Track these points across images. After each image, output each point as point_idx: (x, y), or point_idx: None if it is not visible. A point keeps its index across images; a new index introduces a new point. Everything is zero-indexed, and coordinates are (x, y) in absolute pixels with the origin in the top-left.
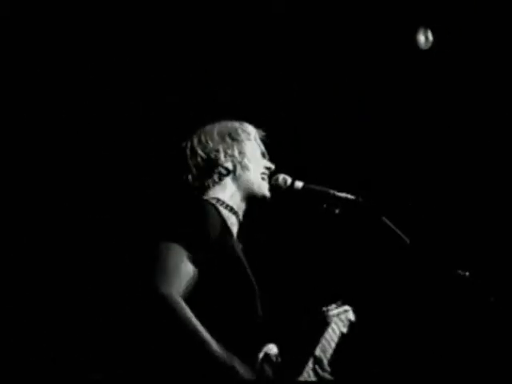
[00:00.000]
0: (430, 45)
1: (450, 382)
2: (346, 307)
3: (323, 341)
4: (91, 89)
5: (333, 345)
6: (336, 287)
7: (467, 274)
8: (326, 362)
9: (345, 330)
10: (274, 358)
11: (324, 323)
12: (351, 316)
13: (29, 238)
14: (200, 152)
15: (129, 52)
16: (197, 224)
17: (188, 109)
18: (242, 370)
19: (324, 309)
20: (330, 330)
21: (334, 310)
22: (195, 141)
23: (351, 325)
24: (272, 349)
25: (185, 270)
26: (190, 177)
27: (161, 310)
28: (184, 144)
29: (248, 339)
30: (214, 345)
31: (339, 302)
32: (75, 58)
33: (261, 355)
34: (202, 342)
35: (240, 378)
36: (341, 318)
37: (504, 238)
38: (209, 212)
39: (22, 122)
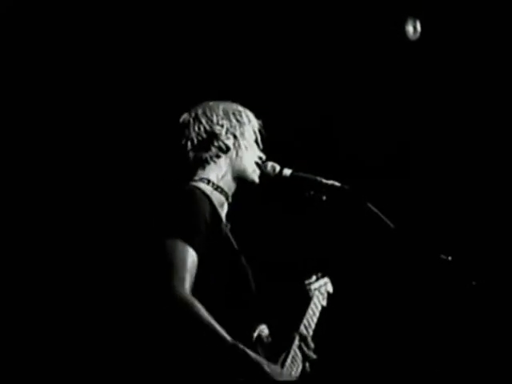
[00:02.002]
0: (418, 35)
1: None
2: (326, 279)
3: (307, 316)
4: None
5: (315, 319)
6: (323, 272)
7: (450, 258)
8: (309, 338)
9: (325, 302)
10: (266, 339)
11: (306, 298)
12: (330, 288)
13: (25, 243)
14: (204, 123)
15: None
16: (191, 216)
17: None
18: (263, 364)
19: (306, 282)
20: (312, 304)
21: (314, 284)
22: (200, 111)
23: (329, 297)
24: (263, 330)
25: (191, 265)
26: (189, 144)
27: (179, 309)
28: (186, 114)
29: (242, 321)
30: (231, 341)
31: (319, 274)
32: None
33: (254, 337)
34: (220, 339)
35: (259, 372)
36: (321, 291)
37: (486, 222)
38: (200, 200)
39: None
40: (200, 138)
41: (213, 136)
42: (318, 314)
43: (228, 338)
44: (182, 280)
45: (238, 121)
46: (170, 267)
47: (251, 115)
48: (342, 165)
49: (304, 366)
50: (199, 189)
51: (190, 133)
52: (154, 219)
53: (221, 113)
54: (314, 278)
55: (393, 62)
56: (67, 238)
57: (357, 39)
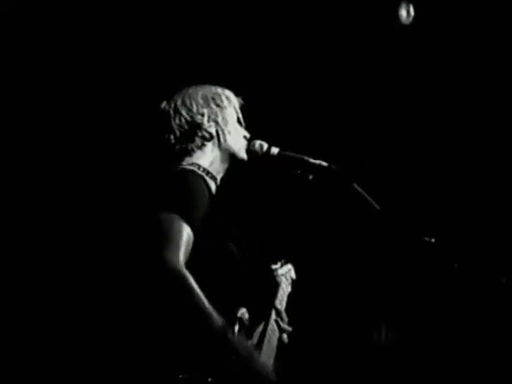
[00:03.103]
0: (411, 19)
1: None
2: (289, 266)
3: (278, 297)
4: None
5: (284, 304)
6: (306, 252)
7: (433, 240)
8: (284, 313)
9: (290, 288)
10: (246, 323)
11: (274, 284)
12: (293, 274)
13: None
14: (184, 114)
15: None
16: (189, 195)
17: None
18: (242, 347)
19: (272, 267)
20: (280, 290)
21: (280, 270)
22: (179, 102)
23: (293, 283)
24: (244, 314)
25: (187, 240)
26: (171, 138)
27: (171, 280)
28: (165, 105)
29: (226, 305)
30: (218, 320)
31: (283, 261)
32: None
33: (236, 323)
34: (207, 317)
35: (240, 356)
36: (286, 277)
37: (469, 205)
38: (197, 181)
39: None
40: (182, 130)
41: (195, 126)
42: (285, 299)
43: (216, 317)
44: (177, 252)
45: (218, 106)
46: (165, 239)
47: (231, 95)
48: (330, 145)
49: (281, 338)
50: (193, 171)
51: (171, 126)
52: (150, 197)
53: (200, 100)
54: (278, 264)
55: (384, 46)
56: (61, 221)
57: (349, 23)
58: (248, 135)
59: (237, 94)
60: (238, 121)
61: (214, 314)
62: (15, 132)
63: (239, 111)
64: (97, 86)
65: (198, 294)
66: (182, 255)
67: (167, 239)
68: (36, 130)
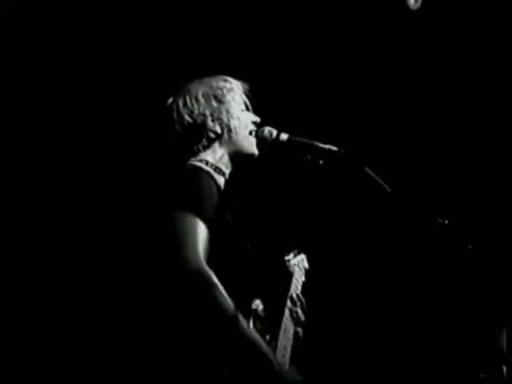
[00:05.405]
0: (419, 5)
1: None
2: (302, 256)
3: (292, 287)
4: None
5: (298, 293)
6: (320, 237)
7: (446, 222)
8: (298, 303)
9: (303, 278)
10: (261, 314)
11: (288, 274)
12: (306, 264)
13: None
14: (187, 117)
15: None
16: (199, 192)
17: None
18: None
19: (285, 258)
20: (294, 280)
21: (293, 260)
22: (180, 104)
23: (306, 272)
24: (259, 305)
25: (203, 236)
26: (177, 140)
27: (196, 280)
28: (168, 106)
29: (241, 298)
30: (242, 318)
31: (295, 251)
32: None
33: (251, 315)
34: (232, 316)
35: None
36: (300, 267)
37: (483, 186)
38: (205, 178)
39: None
40: (187, 132)
41: (199, 127)
42: (300, 288)
43: (245, 325)
44: (196, 250)
45: (220, 102)
46: (182, 239)
47: (233, 85)
48: (339, 129)
49: (296, 331)
50: (201, 168)
51: (176, 130)
52: (161, 197)
53: (201, 99)
54: (291, 254)
55: (393, 31)
56: (73, 222)
57: (356, 7)
58: (258, 119)
59: (243, 80)
60: (246, 107)
61: (237, 312)
62: (19, 134)
63: (245, 98)
64: (101, 84)
65: (222, 291)
66: (201, 252)
67: (185, 238)
68: (41, 132)
